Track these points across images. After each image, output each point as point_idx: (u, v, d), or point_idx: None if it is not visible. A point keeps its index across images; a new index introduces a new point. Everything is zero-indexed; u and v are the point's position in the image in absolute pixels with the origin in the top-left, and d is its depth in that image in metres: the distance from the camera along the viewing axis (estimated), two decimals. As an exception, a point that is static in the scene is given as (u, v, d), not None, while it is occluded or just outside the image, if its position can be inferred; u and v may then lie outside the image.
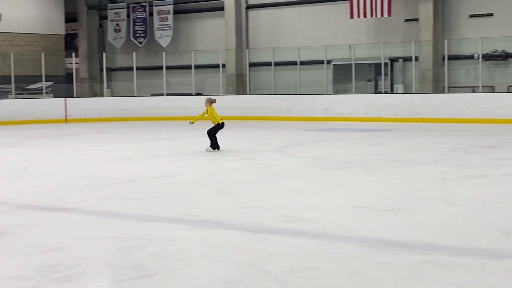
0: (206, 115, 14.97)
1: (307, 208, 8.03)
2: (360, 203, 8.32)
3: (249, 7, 30.27)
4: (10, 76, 28.28)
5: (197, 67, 29.47)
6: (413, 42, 25.55)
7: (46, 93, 29.46)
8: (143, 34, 32.40)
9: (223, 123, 14.88)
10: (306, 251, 5.95)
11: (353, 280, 5.08)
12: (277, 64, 28.45)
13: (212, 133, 14.73)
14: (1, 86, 28.94)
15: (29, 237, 6.73)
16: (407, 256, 5.72)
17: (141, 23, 32.34)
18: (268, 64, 28.73)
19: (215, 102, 15.02)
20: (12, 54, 28.66)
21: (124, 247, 6.16)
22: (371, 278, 5.14)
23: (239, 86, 29.82)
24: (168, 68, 29.67)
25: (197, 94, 29.31)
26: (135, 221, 7.42)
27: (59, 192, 9.54)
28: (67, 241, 6.46)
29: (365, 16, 26.35)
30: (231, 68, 29.93)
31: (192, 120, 15.28)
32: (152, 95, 29.95)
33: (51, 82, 30.15)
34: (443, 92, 25.37)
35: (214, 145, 14.67)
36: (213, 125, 14.79)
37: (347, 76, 27.46)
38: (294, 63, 27.99)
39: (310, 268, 5.40)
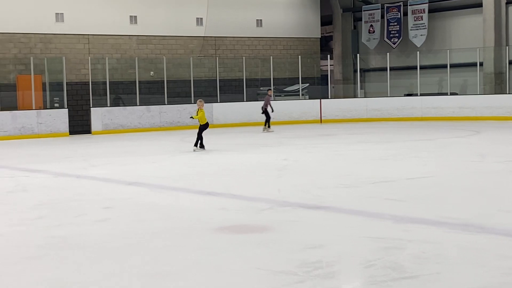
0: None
1: None
2: None
3: (509, 2, 28.73)
4: (269, 79, 29.72)
5: (452, 66, 28.61)
6: None
7: (302, 94, 30.50)
8: (397, 35, 32.20)
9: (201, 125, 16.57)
10: None
11: None
12: (540, 61, 26.72)
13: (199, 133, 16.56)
14: (261, 88, 30.49)
15: (291, 234, 7.02)
16: None
17: (395, 24, 32.17)
18: (530, 61, 27.08)
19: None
20: (271, 57, 30.11)
21: (383, 247, 6.19)
22: None
23: (497, 85, 28.43)
24: (422, 67, 29.17)
25: (452, 94, 28.46)
26: (392, 222, 7.42)
27: (317, 190, 9.84)
28: (327, 239, 6.64)
29: None
30: (489, 67, 28.62)
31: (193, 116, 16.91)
32: (406, 95, 29.65)
33: (307, 84, 31.15)
34: None
35: (200, 144, 16.50)
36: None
37: None
38: (560, 60, 26.08)
39: None
